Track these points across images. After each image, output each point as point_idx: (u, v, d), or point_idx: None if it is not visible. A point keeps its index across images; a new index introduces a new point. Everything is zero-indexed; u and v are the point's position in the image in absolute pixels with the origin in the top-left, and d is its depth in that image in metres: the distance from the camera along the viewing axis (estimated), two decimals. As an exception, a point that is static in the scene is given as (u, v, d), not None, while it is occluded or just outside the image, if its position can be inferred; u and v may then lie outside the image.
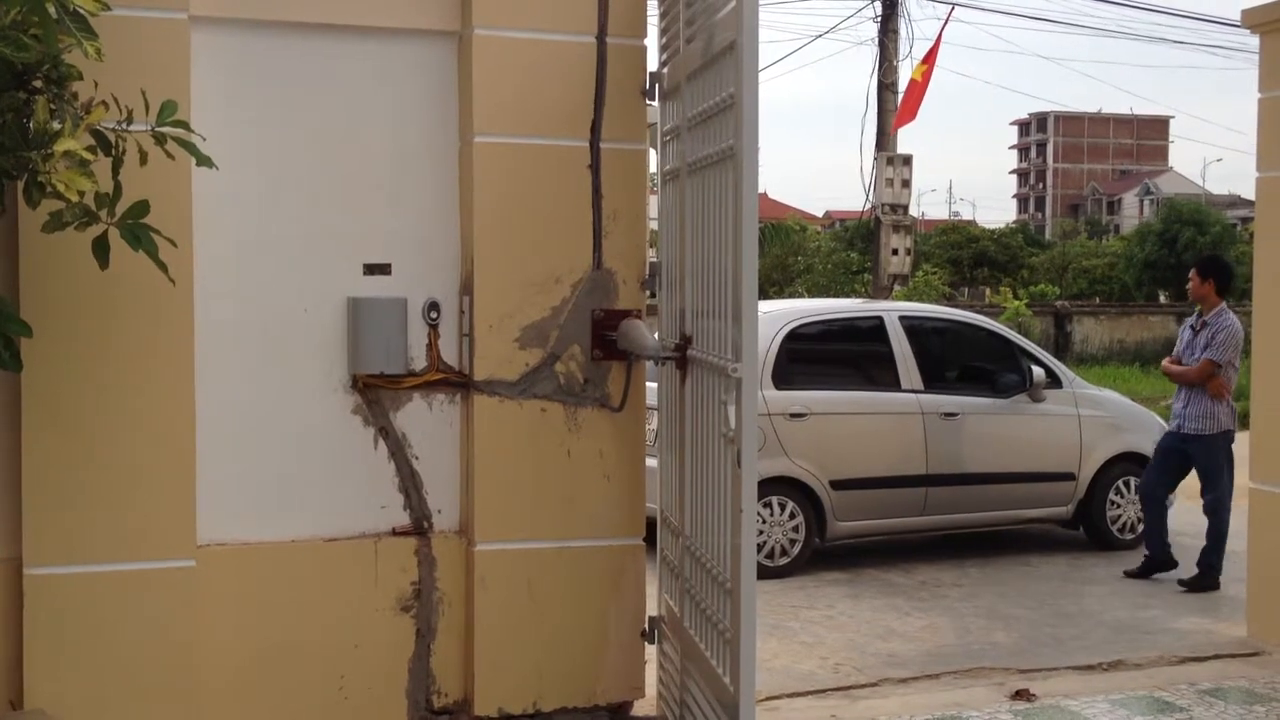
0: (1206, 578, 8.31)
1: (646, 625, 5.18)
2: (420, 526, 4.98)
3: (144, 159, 3.86)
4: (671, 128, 5.03)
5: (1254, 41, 6.78)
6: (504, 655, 4.95)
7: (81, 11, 3.61)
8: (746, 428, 3.94)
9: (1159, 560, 8.59)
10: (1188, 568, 8.42)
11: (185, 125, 3.90)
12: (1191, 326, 8.62)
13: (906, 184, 19.93)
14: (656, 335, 5.04)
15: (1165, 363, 8.78)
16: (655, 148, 5.35)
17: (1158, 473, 8.68)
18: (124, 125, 3.85)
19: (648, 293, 5.17)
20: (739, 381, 3.96)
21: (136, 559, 4.48)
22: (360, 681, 4.87)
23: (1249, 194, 7.10)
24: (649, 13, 5.13)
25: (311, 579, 4.81)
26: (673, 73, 4.97)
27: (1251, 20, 6.74)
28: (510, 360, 4.93)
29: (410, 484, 4.97)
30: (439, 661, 4.98)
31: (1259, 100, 6.73)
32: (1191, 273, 8.68)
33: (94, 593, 4.45)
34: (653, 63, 5.13)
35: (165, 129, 3.85)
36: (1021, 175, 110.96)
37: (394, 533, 4.94)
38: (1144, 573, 8.62)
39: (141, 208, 3.87)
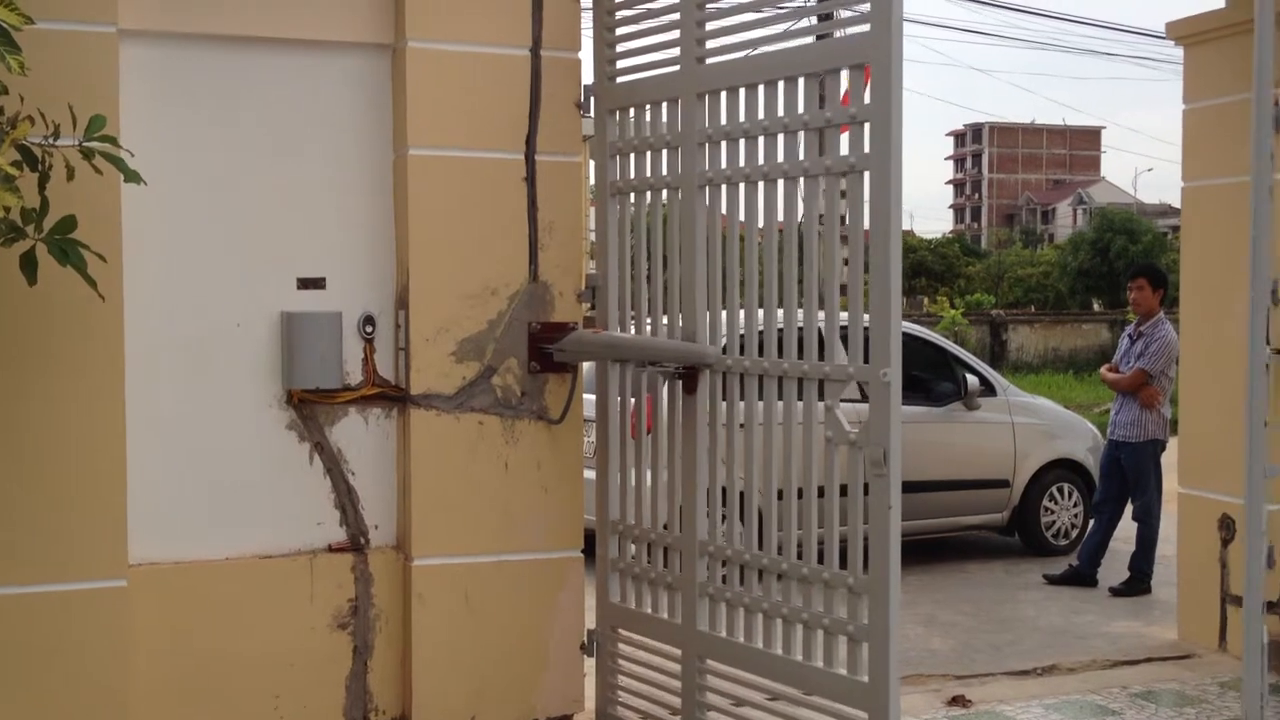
0: (1137, 582, 8.44)
1: (585, 638, 5.19)
2: (357, 542, 4.95)
3: (71, 174, 3.82)
4: (627, 141, 5.04)
5: (1180, 53, 6.90)
6: (442, 671, 4.93)
7: (4, 26, 3.57)
8: (894, 431, 4.12)
9: (1082, 575, 8.69)
10: (1119, 573, 8.55)
11: (113, 140, 3.86)
12: (1129, 335, 8.76)
13: (843, 194, 20.06)
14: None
15: (1103, 370, 8.92)
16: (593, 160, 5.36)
17: (1104, 487, 8.79)
18: (51, 140, 3.81)
19: (586, 305, 5.18)
20: (888, 386, 4.11)
21: (67, 580, 4.41)
22: (296, 700, 4.83)
23: (1179, 203, 7.21)
24: (611, 29, 5.14)
25: (246, 597, 4.77)
26: (642, 89, 4.96)
27: (1176, 33, 6.87)
28: (447, 374, 4.92)
29: (346, 499, 4.94)
30: (376, 678, 4.95)
31: (1184, 111, 6.85)
32: (1140, 281, 8.69)
33: (24, 614, 4.37)
34: (587, 77, 5.14)
35: (93, 144, 3.81)
36: (958, 186, 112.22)
37: (330, 549, 4.91)
38: (1062, 580, 8.73)
39: (69, 223, 3.83)
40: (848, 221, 4.33)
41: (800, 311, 4.47)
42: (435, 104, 4.86)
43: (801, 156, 4.44)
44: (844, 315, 4.40)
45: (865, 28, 4.17)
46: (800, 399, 4.48)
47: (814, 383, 4.41)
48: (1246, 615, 4.85)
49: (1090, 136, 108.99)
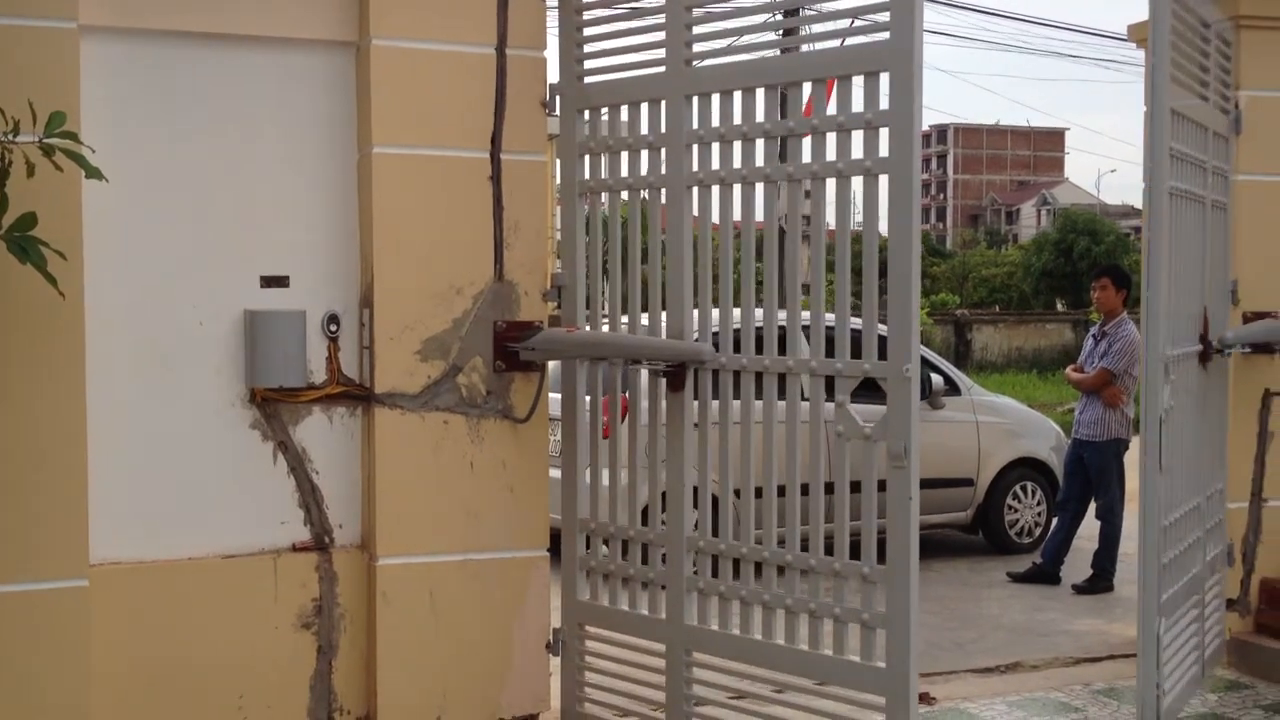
0: (1100, 580, 8.52)
1: (551, 637, 5.18)
2: (321, 542, 4.92)
3: (31, 171, 3.78)
4: (599, 141, 5.04)
5: (1141, 55, 6.95)
6: (407, 670, 4.91)
7: (-36, 20, 3.54)
8: (913, 425, 4.22)
9: (1046, 573, 8.77)
10: (1083, 571, 8.61)
11: (74, 136, 3.83)
12: (1094, 336, 8.84)
13: (808, 194, 20.11)
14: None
15: (1069, 370, 9.01)
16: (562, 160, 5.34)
17: (1067, 485, 8.87)
18: (10, 136, 3.77)
19: (552, 304, 5.18)
20: (909, 381, 4.20)
21: (27, 579, 4.36)
22: (260, 700, 4.80)
23: (1141, 204, 7.25)
24: (581, 29, 5.13)
25: (209, 597, 4.74)
26: (618, 89, 4.96)
27: (1137, 35, 6.92)
28: (411, 372, 4.90)
29: (310, 499, 4.91)
30: (341, 678, 4.92)
31: (1144, 113, 6.89)
32: (1104, 281, 8.77)
33: (-18, 615, 4.33)
34: (553, 76, 5.14)
35: (53, 140, 3.78)
36: (923, 186, 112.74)
37: (294, 548, 4.89)
38: (1026, 578, 8.80)
39: (29, 220, 3.79)
40: (863, 223, 4.43)
41: (806, 311, 4.55)
42: (400, 102, 4.84)
43: (807, 159, 4.52)
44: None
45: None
46: (805, 397, 4.55)
47: (820, 380, 4.49)
48: (1142, 610, 4.99)
49: (1054, 138, 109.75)
